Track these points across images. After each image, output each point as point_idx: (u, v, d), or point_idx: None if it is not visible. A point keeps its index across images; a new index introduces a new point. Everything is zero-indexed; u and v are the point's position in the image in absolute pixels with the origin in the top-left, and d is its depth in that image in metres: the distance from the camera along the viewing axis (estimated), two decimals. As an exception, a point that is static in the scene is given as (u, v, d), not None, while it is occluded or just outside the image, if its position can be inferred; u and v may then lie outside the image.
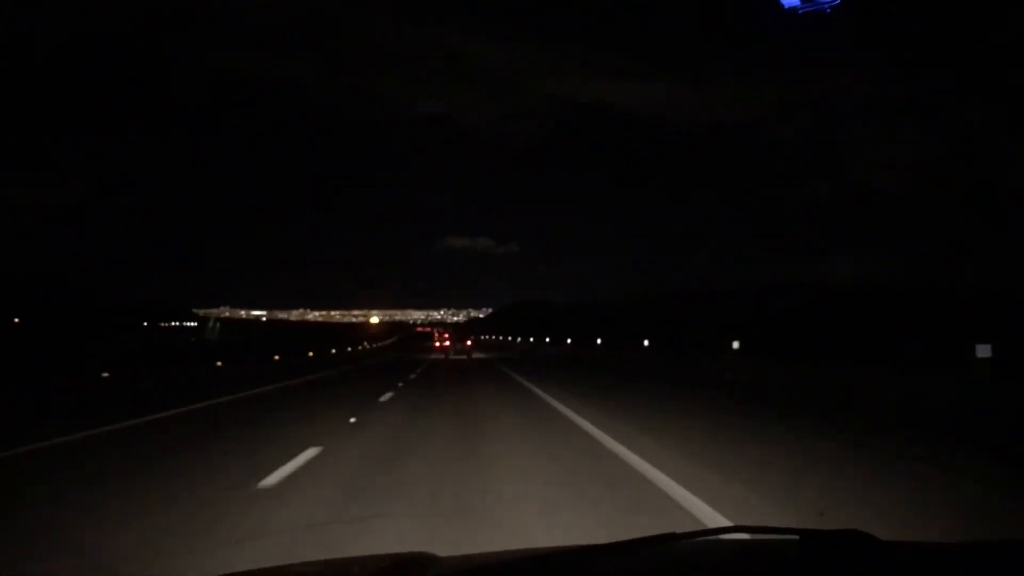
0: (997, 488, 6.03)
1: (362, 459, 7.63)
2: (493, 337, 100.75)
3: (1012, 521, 4.97)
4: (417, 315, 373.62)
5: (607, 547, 1.45)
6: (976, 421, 10.22)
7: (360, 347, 67.81)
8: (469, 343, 54.12)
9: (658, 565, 1.53)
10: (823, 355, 24.59)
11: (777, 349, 28.98)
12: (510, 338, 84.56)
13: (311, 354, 41.17)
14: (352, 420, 11.30)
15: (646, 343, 37.34)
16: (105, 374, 15.09)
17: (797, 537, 1.49)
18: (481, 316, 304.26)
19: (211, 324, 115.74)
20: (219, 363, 23.94)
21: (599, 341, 46.35)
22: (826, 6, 4.96)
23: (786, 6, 4.98)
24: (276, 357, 32.28)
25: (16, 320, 74.96)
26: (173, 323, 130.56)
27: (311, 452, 7.83)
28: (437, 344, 61.12)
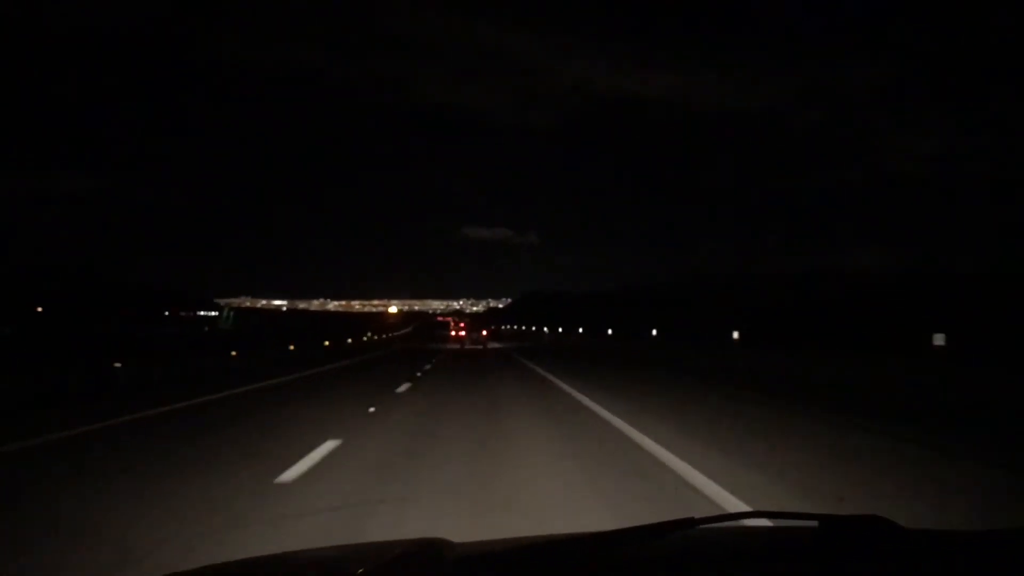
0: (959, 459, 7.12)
1: (382, 453, 7.40)
2: (512, 327, 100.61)
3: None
4: (437, 305, 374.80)
5: (625, 532, 1.47)
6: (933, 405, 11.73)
7: (378, 336, 67.95)
8: (485, 333, 54.00)
9: (677, 550, 1.52)
10: (843, 345, 24.51)
11: (792, 338, 28.88)
12: (533, 328, 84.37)
13: (327, 343, 41.18)
14: (371, 410, 11.20)
15: (654, 332, 38.48)
16: (117, 364, 14.94)
17: (816, 523, 1.51)
18: (500, 306, 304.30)
19: (225, 313, 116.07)
20: (233, 352, 23.86)
21: (609, 331, 47.96)
22: None
23: None
24: (292, 347, 32.25)
25: (39, 309, 75.98)
26: (196, 312, 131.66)
27: (330, 445, 7.64)
28: (452, 334, 60.98)
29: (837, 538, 1.48)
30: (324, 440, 7.89)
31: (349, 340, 49.50)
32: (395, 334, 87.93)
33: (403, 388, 15.12)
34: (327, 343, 41.07)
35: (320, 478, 6.12)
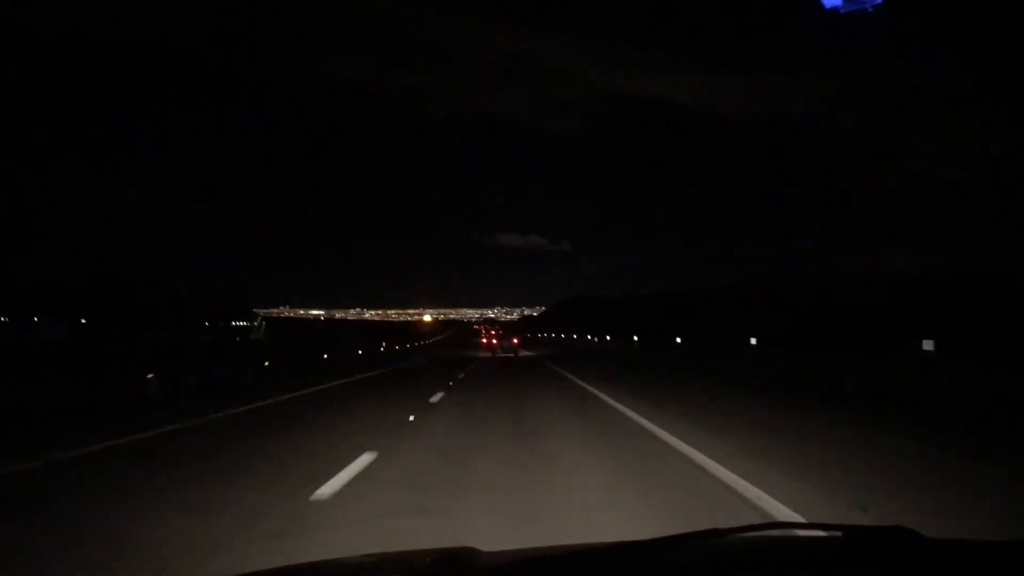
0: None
1: (420, 468, 7.17)
2: (546, 335, 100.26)
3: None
4: (471, 313, 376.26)
5: (652, 543, 1.47)
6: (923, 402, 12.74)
7: (411, 344, 68.06)
8: (516, 341, 53.79)
9: (703, 560, 1.53)
10: (880, 347, 24.14)
11: (825, 343, 28.53)
12: (564, 335, 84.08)
13: (360, 352, 41.25)
14: (411, 419, 11.07)
15: (678, 340, 38.53)
16: (150, 375, 14.85)
17: (840, 534, 1.56)
18: (534, 314, 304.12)
19: (256, 323, 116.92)
20: (267, 363, 23.87)
21: (636, 338, 49.44)
22: (868, 6, 4.93)
23: (827, 6, 4.94)
24: (325, 356, 32.35)
25: (83, 321, 77.47)
26: (229, 322, 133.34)
27: (366, 458, 7.43)
28: (484, 341, 60.95)
29: (861, 549, 1.50)
30: (360, 453, 7.68)
31: (381, 348, 49.53)
32: (428, 342, 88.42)
33: (437, 397, 14.88)
34: (360, 351, 41.15)
35: (358, 494, 5.90)
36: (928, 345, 15.69)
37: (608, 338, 59.73)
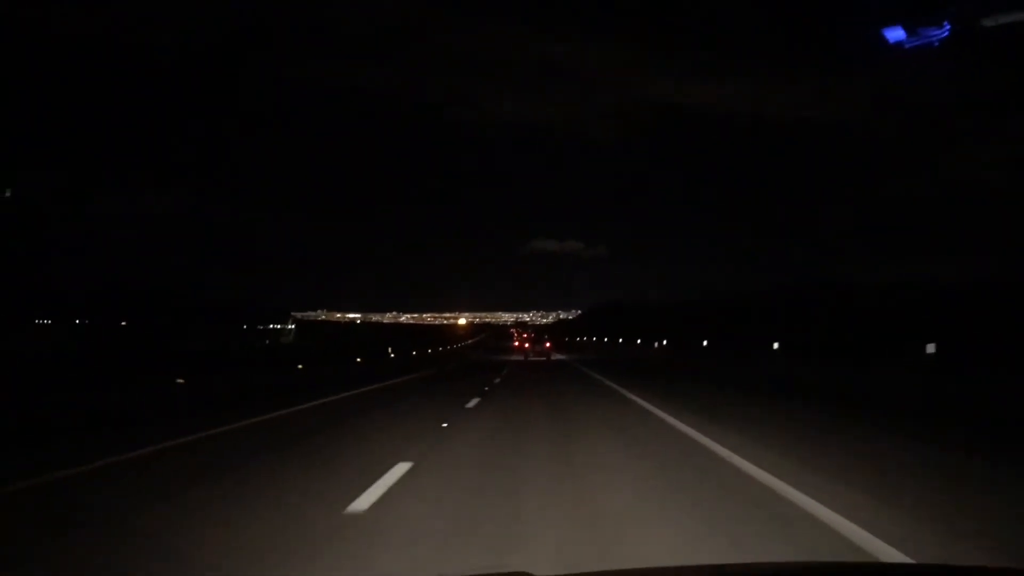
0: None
1: (459, 477, 6.95)
2: (581, 339, 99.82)
3: None
4: (506, 317, 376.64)
5: (712, 569, 1.52)
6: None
7: (445, 348, 68.18)
8: (548, 345, 54.16)
9: None
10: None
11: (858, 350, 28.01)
12: (595, 339, 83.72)
13: (392, 355, 41.35)
14: (444, 425, 10.84)
15: (704, 343, 38.15)
16: (180, 380, 14.84)
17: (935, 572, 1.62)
18: (570, 318, 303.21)
19: (287, 326, 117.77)
20: (300, 366, 23.89)
21: (665, 342, 50.39)
22: (934, 39, 4.80)
23: (891, 41, 4.83)
24: (358, 359, 32.41)
25: (123, 323, 79.02)
26: (272, 326, 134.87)
27: (401, 468, 7.18)
28: (516, 344, 61.25)
29: None
30: (395, 463, 7.42)
31: (414, 352, 49.64)
32: (462, 345, 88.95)
33: (473, 403, 14.62)
34: (392, 355, 41.20)
35: (394, 507, 5.65)
36: (931, 349, 16.45)
37: (636, 342, 59.36)
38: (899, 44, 4.85)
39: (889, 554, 4.37)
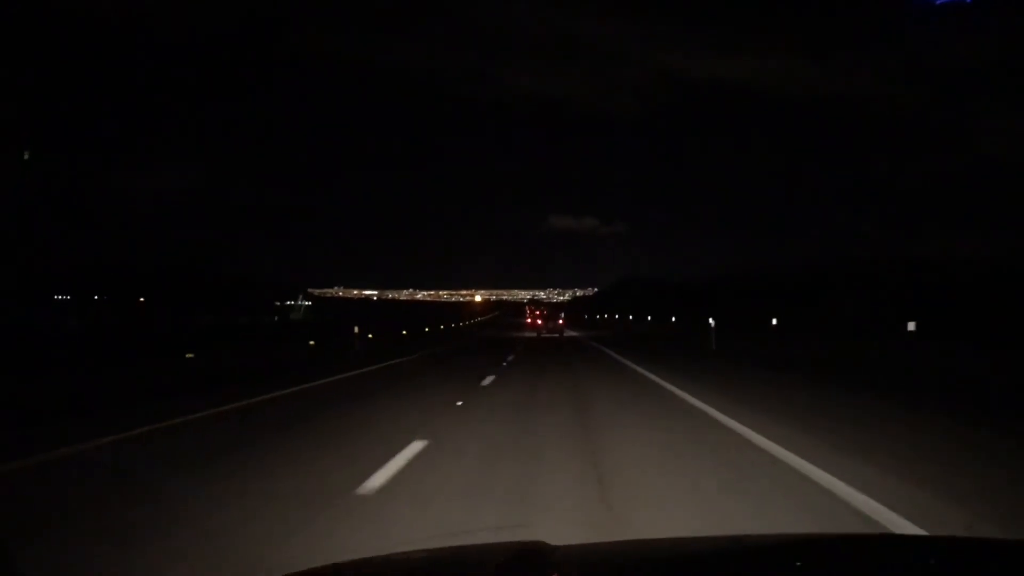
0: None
1: (476, 456, 6.61)
2: (599, 316, 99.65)
3: None
4: (523, 294, 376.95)
5: (734, 542, 1.54)
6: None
7: (460, 324, 68.05)
8: (561, 321, 54.12)
9: (789, 569, 1.48)
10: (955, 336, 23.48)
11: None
12: (615, 316, 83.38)
13: (404, 332, 41.11)
14: (459, 403, 10.51)
15: (711, 322, 38.60)
16: (190, 355, 14.65)
17: (944, 545, 1.71)
18: (587, 295, 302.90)
19: (297, 303, 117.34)
20: (311, 342, 23.64)
21: (673, 319, 50.94)
22: None
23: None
24: (370, 336, 32.12)
25: (141, 299, 79.64)
26: (288, 302, 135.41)
27: (416, 446, 6.88)
28: (529, 321, 60.94)
29: (963, 562, 1.49)
30: (410, 441, 7.12)
31: (426, 329, 49.42)
32: (477, 320, 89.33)
33: (488, 381, 14.26)
34: (405, 332, 40.96)
35: (408, 488, 5.34)
36: (911, 326, 17.19)
37: (648, 319, 59.18)
38: (930, 2, 4.69)
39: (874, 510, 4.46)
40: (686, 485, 5.44)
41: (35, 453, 6.70)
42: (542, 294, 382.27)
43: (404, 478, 5.68)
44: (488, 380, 14.28)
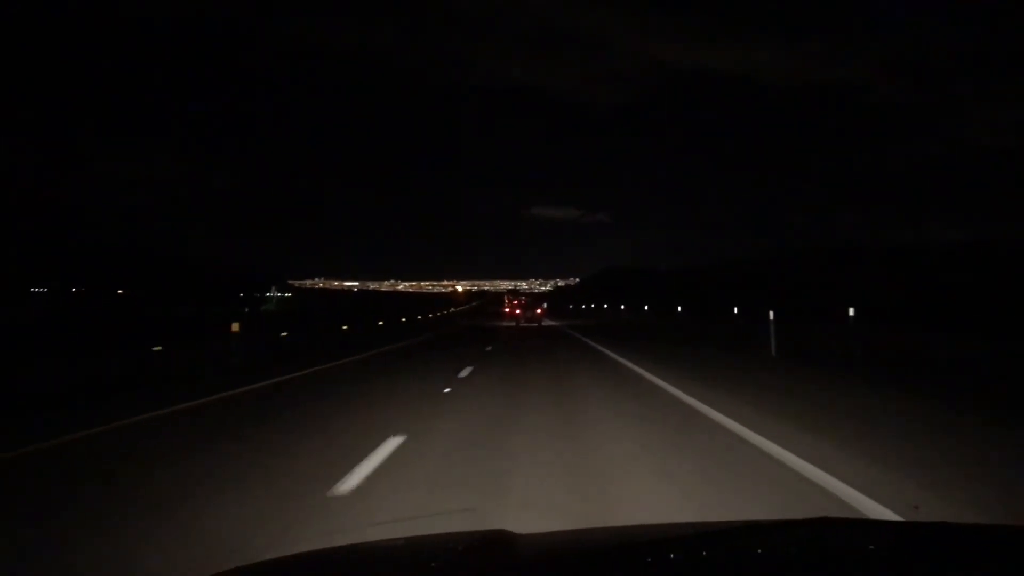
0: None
1: (456, 450, 6.32)
2: (579, 307, 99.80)
3: None
4: (505, 285, 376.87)
5: (693, 529, 1.52)
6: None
7: (438, 314, 67.35)
8: (539, 311, 53.37)
9: (742, 554, 1.49)
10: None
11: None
12: (592, 306, 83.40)
13: (381, 323, 40.60)
14: (440, 396, 10.21)
15: (679, 308, 39.82)
16: (157, 347, 14.14)
17: (888, 528, 1.77)
18: (569, 285, 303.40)
19: (269, 294, 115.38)
20: (284, 334, 23.01)
21: (646, 307, 51.97)
22: None
23: None
24: (344, 327, 31.53)
25: (120, 291, 78.42)
26: (269, 294, 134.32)
27: (393, 443, 6.58)
28: (507, 311, 59.87)
29: (907, 545, 1.53)
30: (386, 437, 6.82)
31: (403, 319, 48.95)
32: (457, 310, 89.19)
33: (466, 372, 13.89)
34: (381, 323, 40.44)
35: (384, 487, 5.05)
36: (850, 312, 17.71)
37: (622, 307, 59.65)
38: None
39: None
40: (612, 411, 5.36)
41: None
42: (524, 284, 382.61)
43: (380, 476, 5.39)
44: (466, 371, 13.99)
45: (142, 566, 3.66)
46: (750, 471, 5.44)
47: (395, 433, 7.03)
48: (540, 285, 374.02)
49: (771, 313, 17.49)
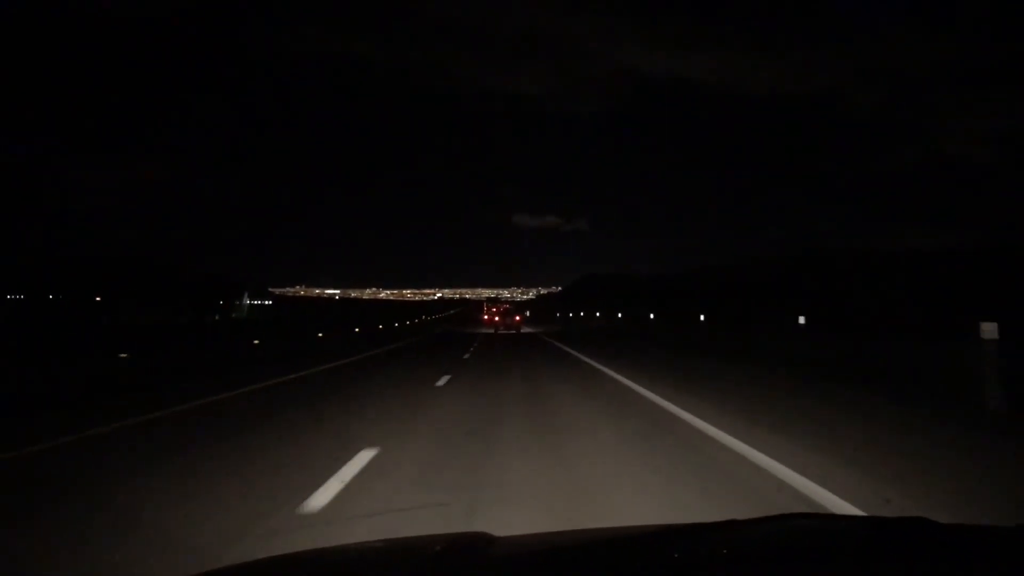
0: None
1: (433, 464, 6.10)
2: (559, 314, 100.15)
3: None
4: (487, 293, 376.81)
5: (665, 531, 1.52)
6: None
7: (416, 321, 67.06)
8: (518, 318, 53.91)
9: (719, 551, 1.50)
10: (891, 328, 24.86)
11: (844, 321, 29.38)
12: (572, 314, 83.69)
13: (357, 330, 40.36)
14: (415, 406, 9.96)
15: (702, 317, 40.61)
16: (123, 355, 13.85)
17: (860, 523, 1.65)
18: (550, 293, 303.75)
19: (241, 301, 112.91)
20: (256, 341, 22.73)
21: (620, 315, 53.11)
22: None
23: None
24: (320, 335, 31.23)
25: (98, 299, 77.29)
26: (249, 302, 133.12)
27: (365, 456, 6.36)
28: (486, 318, 59.99)
29: (880, 539, 1.52)
30: (358, 450, 6.60)
31: (380, 327, 48.63)
32: (437, 317, 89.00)
33: (443, 381, 13.66)
34: (357, 329, 40.18)
35: (356, 503, 4.84)
36: (801, 320, 18.25)
37: (597, 314, 60.37)
38: None
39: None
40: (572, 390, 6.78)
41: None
42: (507, 293, 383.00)
43: (353, 487, 5.20)
44: (443, 380, 13.80)
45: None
46: (635, 409, 8.94)
47: (368, 446, 6.83)
48: (522, 293, 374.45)
49: (701, 316, 18.81)
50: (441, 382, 13.53)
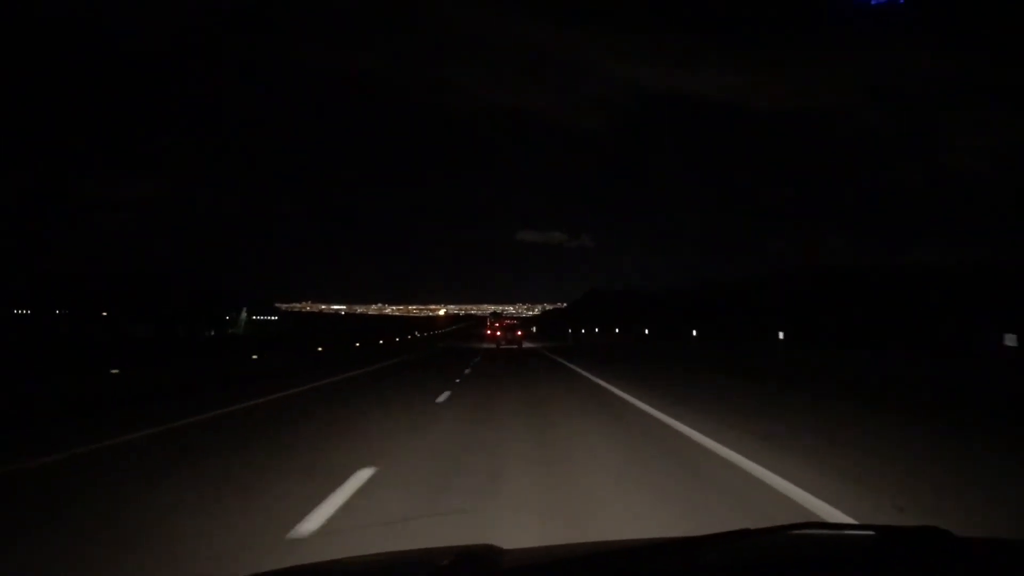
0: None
1: (430, 485, 5.89)
2: (564, 330, 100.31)
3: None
4: (491, 309, 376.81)
5: (676, 542, 1.48)
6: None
7: (419, 336, 66.99)
8: (519, 333, 53.88)
9: (730, 561, 1.50)
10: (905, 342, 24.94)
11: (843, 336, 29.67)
12: (582, 330, 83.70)
13: (358, 344, 40.28)
14: (414, 424, 9.71)
15: (694, 333, 40.56)
16: (115, 370, 13.70)
17: (873, 533, 1.56)
18: (555, 308, 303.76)
19: (239, 315, 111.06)
20: (255, 356, 22.60)
21: (617, 330, 56.53)
22: None
23: (856, 1, 5.15)
24: (320, 349, 31.13)
25: (104, 313, 77.35)
26: (254, 317, 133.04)
27: (363, 475, 6.18)
28: (488, 333, 60.04)
29: (892, 549, 1.49)
30: (355, 469, 6.39)
31: (381, 342, 48.44)
32: (440, 333, 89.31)
33: (443, 397, 13.42)
34: (358, 344, 40.02)
35: (351, 527, 4.64)
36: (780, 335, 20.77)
37: (584, 331, 60.50)
38: (864, 3, 5.42)
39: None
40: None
41: None
42: (511, 308, 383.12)
43: (350, 508, 5.02)
44: (443, 396, 13.59)
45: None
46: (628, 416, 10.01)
47: (365, 465, 6.64)
48: (528, 309, 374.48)
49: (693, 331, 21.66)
50: (441, 398, 13.35)
